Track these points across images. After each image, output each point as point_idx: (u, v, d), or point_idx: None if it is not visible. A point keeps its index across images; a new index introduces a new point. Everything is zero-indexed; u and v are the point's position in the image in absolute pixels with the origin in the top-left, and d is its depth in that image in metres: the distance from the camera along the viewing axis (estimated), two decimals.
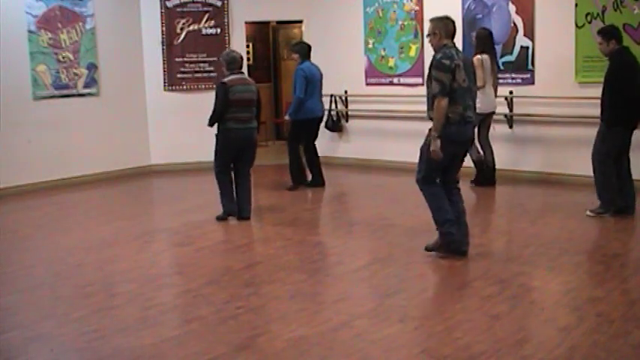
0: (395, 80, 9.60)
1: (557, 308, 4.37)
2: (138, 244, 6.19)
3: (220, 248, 6.03)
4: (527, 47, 8.36)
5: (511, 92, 8.51)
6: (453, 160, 5.29)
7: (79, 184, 9.20)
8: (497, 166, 8.37)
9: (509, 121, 8.59)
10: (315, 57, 10.50)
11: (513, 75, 8.52)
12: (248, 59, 11.49)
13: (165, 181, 9.56)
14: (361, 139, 10.06)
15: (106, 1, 9.60)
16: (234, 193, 6.84)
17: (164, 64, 10.05)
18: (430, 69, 5.11)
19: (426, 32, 5.98)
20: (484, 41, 7.94)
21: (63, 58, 9.12)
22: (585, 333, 3.88)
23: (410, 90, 9.41)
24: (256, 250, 6.13)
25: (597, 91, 7.83)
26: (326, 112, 10.14)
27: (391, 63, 9.62)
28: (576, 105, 8.05)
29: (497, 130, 8.33)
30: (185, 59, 10.16)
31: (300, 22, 10.99)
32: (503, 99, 8.54)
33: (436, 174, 5.27)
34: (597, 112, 7.86)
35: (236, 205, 6.78)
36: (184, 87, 10.16)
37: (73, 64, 9.23)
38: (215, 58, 10.22)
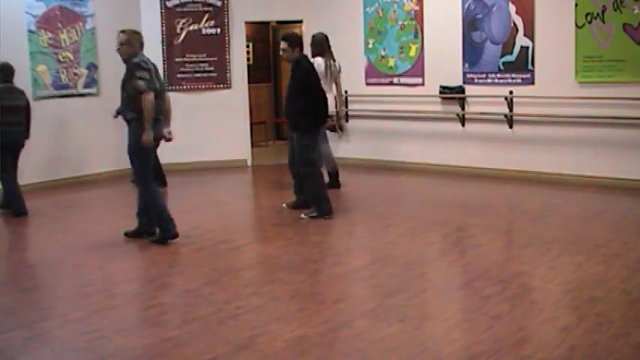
0: (395, 80, 9.60)
1: (557, 308, 4.37)
2: (138, 244, 6.19)
3: (220, 248, 6.02)
4: (527, 47, 8.35)
5: (511, 92, 8.51)
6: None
7: (79, 184, 9.20)
8: (497, 166, 8.33)
9: (510, 121, 8.59)
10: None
11: (513, 75, 8.51)
12: (248, 59, 11.49)
13: None
14: (361, 139, 10.05)
15: (106, 1, 9.60)
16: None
17: (164, 64, 10.05)
18: (129, 73, 5.96)
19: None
20: (319, 44, 8.00)
21: (63, 58, 9.12)
22: (585, 333, 3.87)
23: (410, 90, 9.41)
24: (256, 250, 6.13)
25: (597, 91, 7.89)
26: None
27: (391, 63, 9.62)
28: (576, 105, 8.05)
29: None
30: (185, 59, 10.16)
31: (300, 22, 10.98)
32: (503, 99, 8.55)
33: (150, 171, 6.03)
34: (597, 112, 7.93)
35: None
36: (184, 87, 10.15)
37: (73, 64, 9.24)
38: (215, 58, 10.25)
